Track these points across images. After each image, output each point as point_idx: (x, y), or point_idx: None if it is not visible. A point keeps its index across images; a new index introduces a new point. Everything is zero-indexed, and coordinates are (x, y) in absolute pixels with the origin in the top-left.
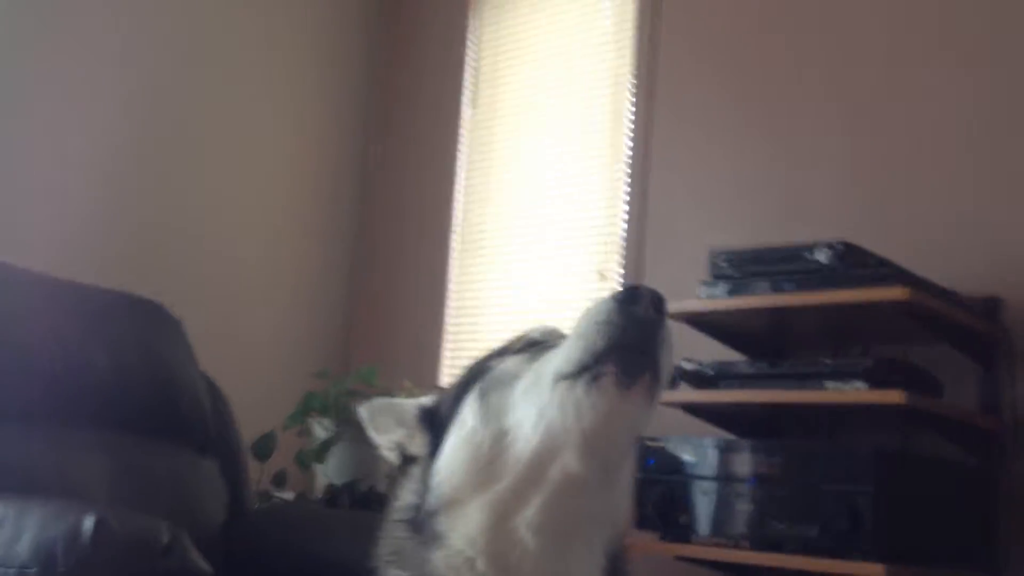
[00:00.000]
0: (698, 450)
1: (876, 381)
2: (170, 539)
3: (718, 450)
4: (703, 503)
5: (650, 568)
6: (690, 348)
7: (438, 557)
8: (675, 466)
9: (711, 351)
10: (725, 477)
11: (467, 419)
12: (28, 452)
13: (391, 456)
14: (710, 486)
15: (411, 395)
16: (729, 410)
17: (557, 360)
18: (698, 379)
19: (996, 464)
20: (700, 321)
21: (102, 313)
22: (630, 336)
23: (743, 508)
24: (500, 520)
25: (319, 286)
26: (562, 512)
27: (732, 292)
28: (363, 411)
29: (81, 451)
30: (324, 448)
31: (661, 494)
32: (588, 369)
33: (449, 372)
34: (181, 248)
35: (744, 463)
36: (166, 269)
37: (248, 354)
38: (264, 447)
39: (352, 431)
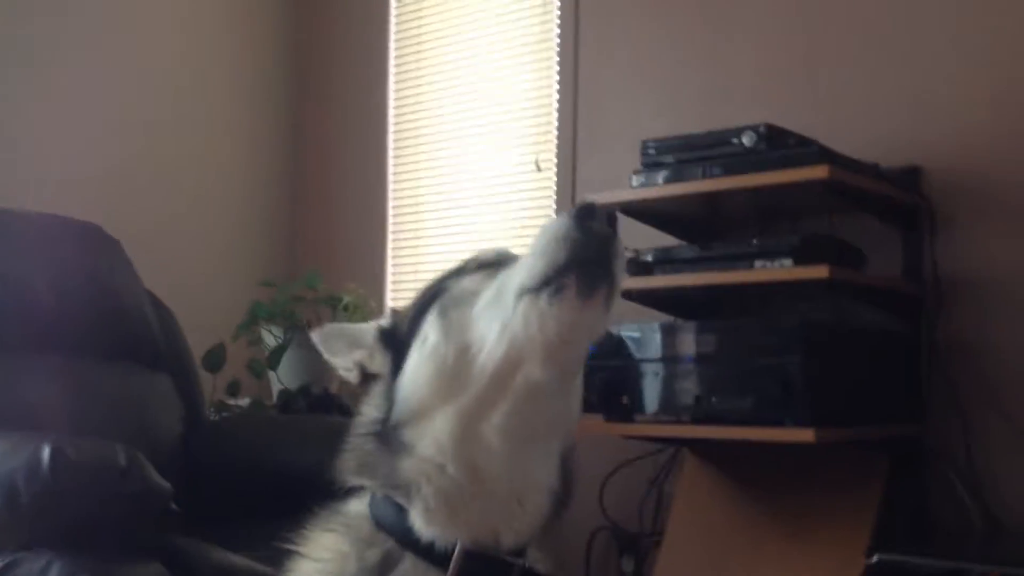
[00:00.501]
0: (638, 334)
1: (802, 258)
2: (127, 461)
3: (657, 333)
4: (644, 384)
5: (595, 447)
6: (626, 237)
7: (407, 465)
8: (617, 351)
9: (647, 238)
10: (664, 358)
11: (429, 335)
12: None
13: (350, 376)
14: (650, 367)
15: (356, 296)
16: (667, 294)
17: (519, 275)
18: (636, 267)
19: (919, 326)
20: (634, 209)
21: (39, 238)
22: (588, 250)
23: (682, 386)
24: (467, 427)
25: (258, 195)
26: (525, 417)
27: (663, 180)
28: (316, 337)
29: (33, 378)
30: (276, 355)
31: (604, 379)
32: (550, 282)
33: (393, 272)
34: (116, 165)
35: (681, 344)
36: (101, 187)
37: (192, 268)
38: (214, 359)
39: (301, 337)
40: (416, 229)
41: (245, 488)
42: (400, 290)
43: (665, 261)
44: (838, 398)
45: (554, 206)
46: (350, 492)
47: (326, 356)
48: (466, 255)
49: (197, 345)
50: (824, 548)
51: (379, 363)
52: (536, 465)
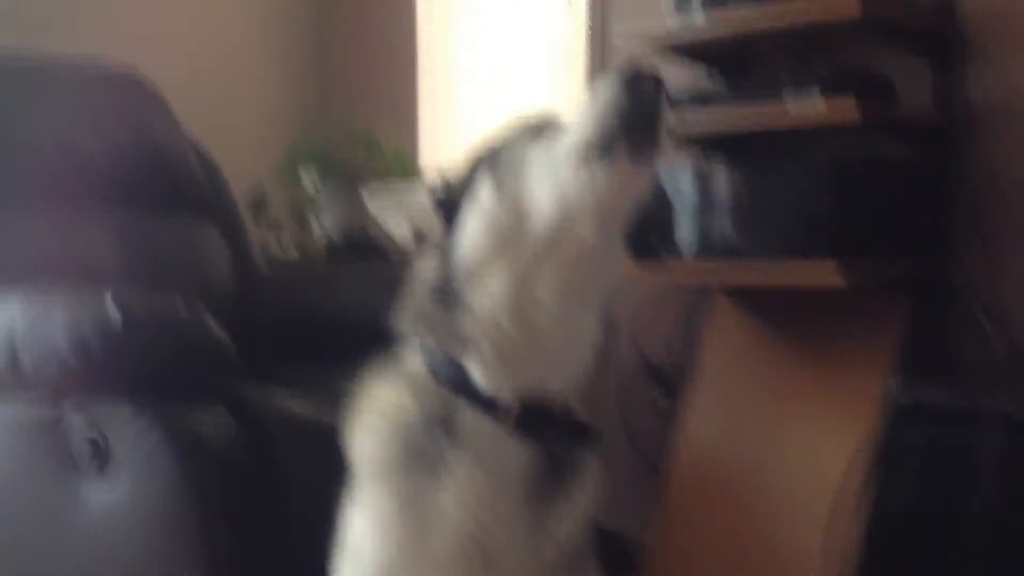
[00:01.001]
0: (669, 176)
1: (831, 89)
2: (188, 314)
3: (688, 174)
4: (676, 226)
5: (629, 286)
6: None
7: (465, 321)
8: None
9: (680, 75)
10: (695, 199)
11: (484, 200)
12: (39, 238)
13: (403, 238)
14: (681, 209)
15: (391, 138)
16: (698, 133)
17: (571, 140)
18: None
19: (948, 158)
20: (668, 45)
21: (83, 88)
22: (636, 116)
23: (713, 227)
24: (522, 286)
25: (289, 44)
26: (575, 276)
27: (697, 13)
28: (366, 198)
29: (88, 232)
30: (316, 198)
31: (635, 221)
32: (602, 148)
33: (426, 113)
34: (149, 10)
35: (712, 184)
36: (135, 34)
37: (227, 118)
38: (258, 203)
39: (340, 179)
40: (446, 71)
41: (297, 335)
42: (433, 133)
43: (696, 100)
44: (866, 234)
45: (586, 44)
46: (403, 342)
47: (377, 217)
48: (500, 105)
49: (239, 191)
50: (848, 384)
51: (435, 226)
52: (583, 321)
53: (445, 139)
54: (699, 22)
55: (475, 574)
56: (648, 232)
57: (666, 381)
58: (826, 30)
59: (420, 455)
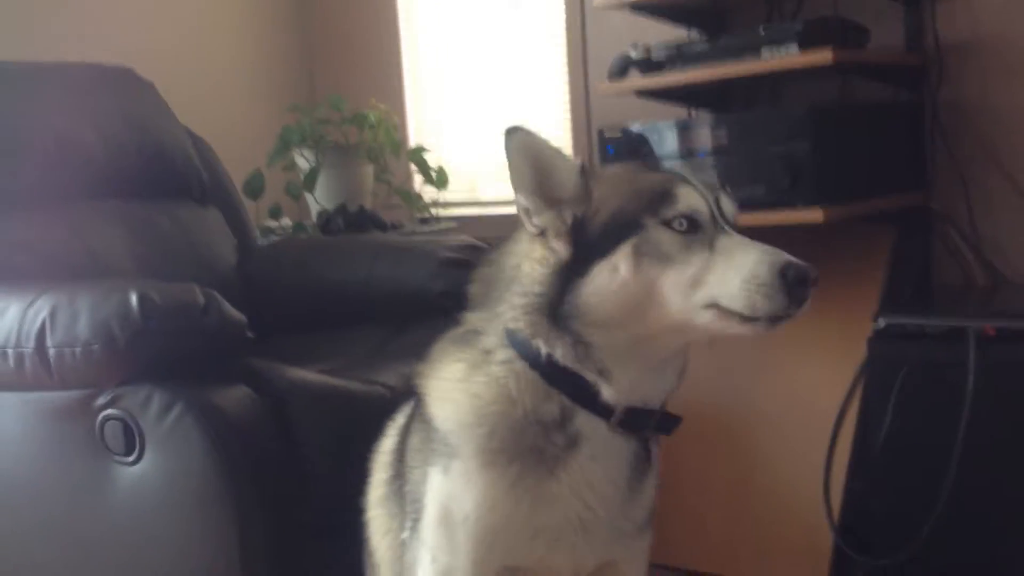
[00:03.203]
0: (652, 132)
1: (807, 42)
2: (205, 300)
3: (672, 130)
4: None
5: None
6: (634, 32)
7: (564, 339)
8: (633, 150)
9: (659, 33)
10: (680, 153)
11: (620, 268)
12: (52, 234)
13: (527, 222)
14: (667, 164)
15: (380, 112)
16: (679, 89)
17: (720, 287)
18: (648, 65)
19: (922, 96)
20: (648, 5)
21: (79, 87)
22: (785, 308)
23: (698, 179)
24: (632, 348)
25: (274, 29)
26: (675, 350)
27: None
28: (512, 146)
29: (94, 224)
30: (310, 178)
31: None
32: (745, 319)
33: (410, 87)
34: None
35: (696, 138)
36: (124, 31)
37: (218, 105)
38: (254, 186)
39: (334, 157)
40: (430, 41)
41: (298, 306)
42: (418, 102)
43: (676, 57)
44: (846, 177)
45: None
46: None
47: (511, 176)
48: (485, 77)
49: (235, 176)
50: (835, 316)
51: (561, 248)
52: (674, 366)
53: (431, 113)
54: None
55: (572, 541)
56: None
57: None
58: None
59: (532, 449)
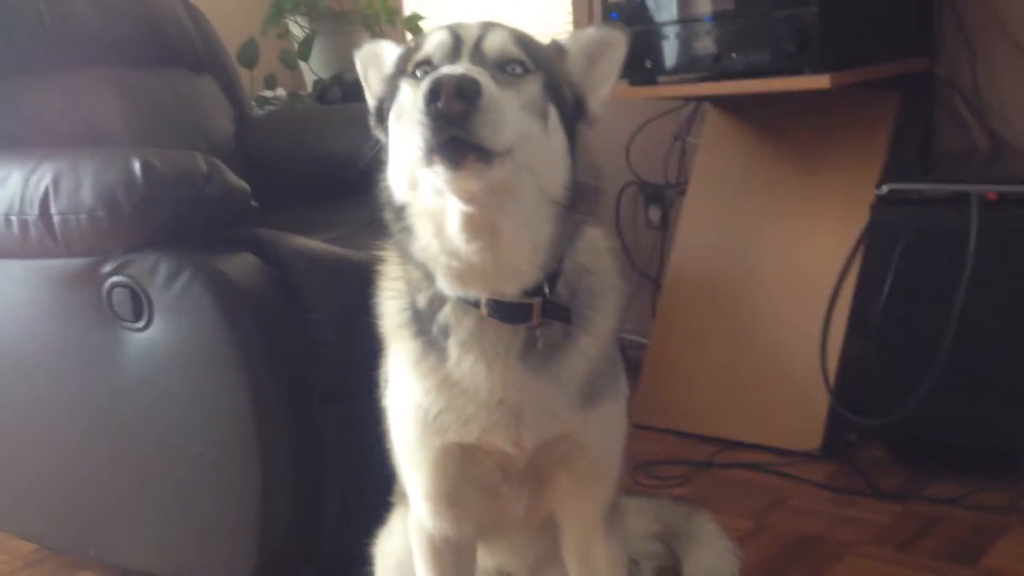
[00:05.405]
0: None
1: None
2: (208, 167)
3: None
4: (665, 46)
5: (621, 109)
6: None
7: (416, 249)
8: (638, 15)
9: None
10: (682, 19)
11: (391, 139)
12: (47, 102)
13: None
14: (670, 29)
15: None
16: None
17: (408, 145)
18: None
19: None
20: None
21: None
22: (440, 132)
23: (702, 45)
24: (438, 228)
25: None
26: (478, 222)
27: None
28: (357, 59)
29: (90, 92)
30: (305, 46)
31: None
32: (425, 161)
33: None
34: None
35: (698, 3)
36: None
37: None
38: (249, 54)
39: (329, 24)
40: None
41: (295, 178)
42: None
43: None
44: (851, 42)
45: None
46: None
47: (364, 85)
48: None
49: (229, 44)
50: (838, 182)
51: (381, 135)
52: (517, 243)
53: None
54: None
55: (502, 421)
56: (642, 59)
57: (659, 196)
58: None
59: (424, 331)
